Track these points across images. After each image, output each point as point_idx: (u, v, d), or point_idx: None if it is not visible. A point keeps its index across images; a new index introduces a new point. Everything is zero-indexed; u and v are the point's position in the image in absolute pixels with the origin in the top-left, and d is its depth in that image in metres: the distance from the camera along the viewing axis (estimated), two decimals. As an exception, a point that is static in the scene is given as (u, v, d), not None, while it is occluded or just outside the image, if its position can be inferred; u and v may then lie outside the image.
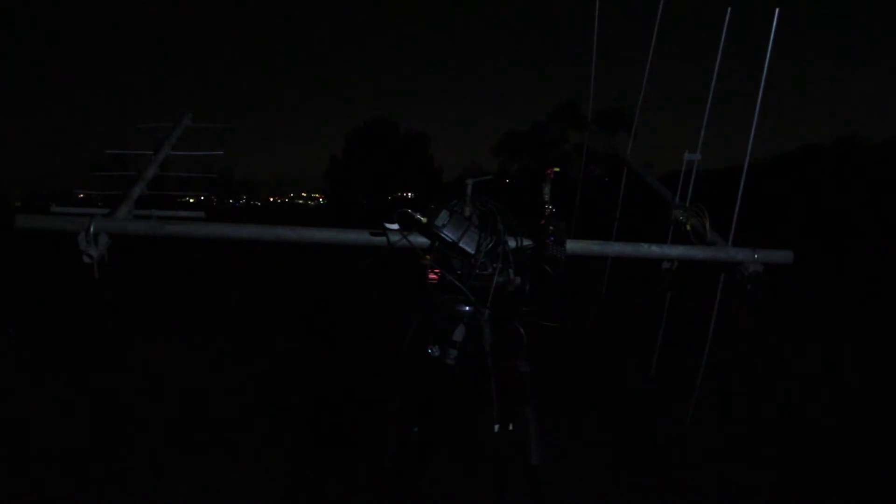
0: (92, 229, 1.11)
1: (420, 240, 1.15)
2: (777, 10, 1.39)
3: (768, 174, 18.02)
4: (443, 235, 1.09)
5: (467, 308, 1.14)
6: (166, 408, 3.26)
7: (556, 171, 1.22)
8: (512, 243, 1.16)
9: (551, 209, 1.19)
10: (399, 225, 1.13)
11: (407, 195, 43.89)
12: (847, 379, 4.05)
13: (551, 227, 1.13)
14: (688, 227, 1.52)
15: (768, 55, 1.41)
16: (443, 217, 1.10)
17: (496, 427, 1.05)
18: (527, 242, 1.17)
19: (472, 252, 1.10)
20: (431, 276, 1.14)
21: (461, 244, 1.10)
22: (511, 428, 1.06)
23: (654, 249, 1.33)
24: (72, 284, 6.34)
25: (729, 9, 1.52)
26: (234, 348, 4.48)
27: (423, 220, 1.10)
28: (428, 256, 1.14)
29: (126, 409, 3.22)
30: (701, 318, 1.66)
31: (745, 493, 2.55)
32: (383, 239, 1.16)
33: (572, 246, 1.22)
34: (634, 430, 3.14)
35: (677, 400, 2.63)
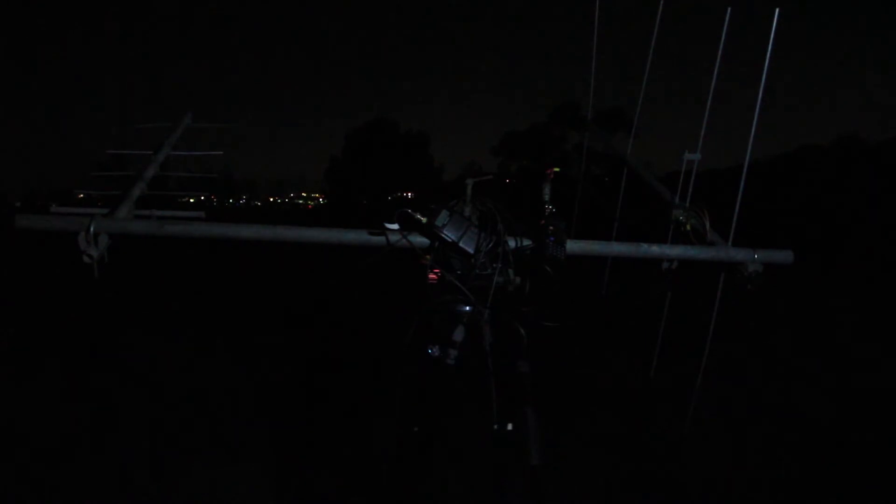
0: (92, 229, 1.11)
1: (420, 240, 1.15)
2: (777, 10, 1.39)
3: (768, 174, 18.01)
4: (443, 235, 1.09)
5: (467, 308, 1.14)
6: (166, 408, 3.26)
7: (555, 171, 1.22)
8: (512, 243, 1.16)
9: (551, 209, 1.18)
10: (399, 225, 1.13)
11: (407, 195, 43.86)
12: (847, 379, 4.05)
13: (551, 228, 1.13)
14: (688, 227, 1.52)
15: (768, 55, 1.41)
16: (443, 217, 1.09)
17: (496, 427, 1.05)
18: (527, 242, 1.17)
19: (472, 252, 1.10)
20: (431, 276, 1.14)
21: (461, 244, 1.09)
22: (511, 428, 1.06)
23: (654, 249, 1.33)
24: (72, 284, 6.34)
25: (729, 9, 1.52)
26: (234, 348, 4.48)
27: (423, 220, 1.10)
28: (428, 256, 1.14)
29: (126, 409, 3.22)
30: (701, 318, 1.66)
31: (745, 493, 2.55)
32: (383, 239, 1.15)
33: (572, 246, 1.22)
34: (634, 430, 3.14)
35: (677, 400, 2.63)
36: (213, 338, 4.73)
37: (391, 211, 1.11)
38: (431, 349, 1.12)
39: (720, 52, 1.54)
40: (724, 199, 1.66)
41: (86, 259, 1.12)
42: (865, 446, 2.95)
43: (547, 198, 1.20)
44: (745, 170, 1.52)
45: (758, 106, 1.47)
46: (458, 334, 1.12)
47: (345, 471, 2.62)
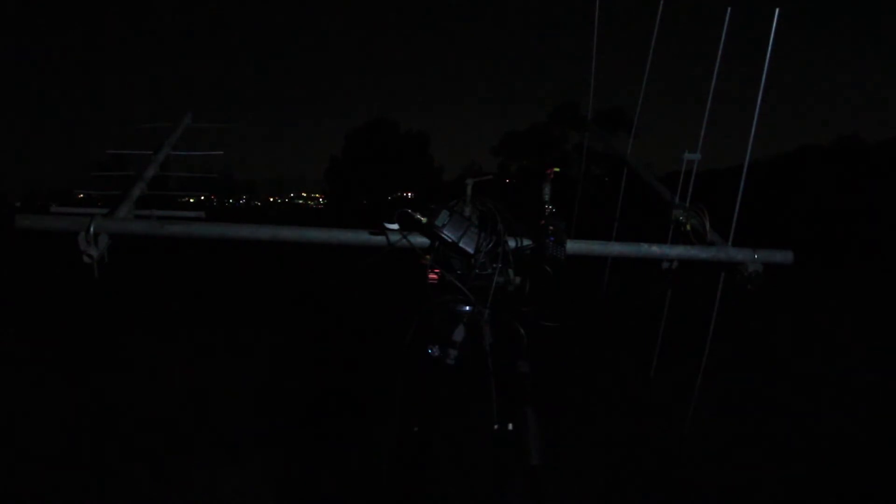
0: (92, 229, 1.11)
1: (420, 240, 1.15)
2: (777, 10, 1.39)
3: (768, 174, 18.02)
4: (443, 235, 1.09)
5: (467, 308, 1.14)
6: (166, 408, 3.26)
7: (555, 171, 1.22)
8: (512, 243, 1.16)
9: (551, 209, 1.18)
10: (399, 225, 1.13)
11: (407, 195, 43.85)
12: (847, 379, 4.05)
13: (551, 228, 1.13)
14: (688, 227, 1.52)
15: (768, 55, 1.40)
16: (443, 217, 1.09)
17: (496, 427, 1.05)
18: (527, 242, 1.17)
19: (472, 252, 1.10)
20: (431, 276, 1.14)
21: (461, 244, 1.09)
22: (511, 428, 1.06)
23: (654, 249, 1.33)
24: (72, 284, 6.33)
25: (729, 9, 1.52)
26: (234, 348, 4.48)
27: (423, 220, 1.10)
28: (428, 256, 1.14)
29: (126, 409, 3.22)
30: (701, 318, 1.66)
31: (745, 493, 2.54)
32: (383, 239, 1.15)
33: (572, 246, 1.22)
34: (634, 430, 3.14)
35: (677, 400, 2.63)
36: (213, 338, 4.73)
37: (391, 211, 1.12)
38: (431, 349, 1.12)
39: (720, 52, 1.54)
40: (724, 199, 1.66)
41: (86, 259, 1.12)
42: (865, 446, 2.95)
43: (547, 198, 1.20)
44: (744, 170, 1.52)
45: (758, 106, 1.47)
46: (458, 334, 1.12)
47: (345, 471, 2.62)
